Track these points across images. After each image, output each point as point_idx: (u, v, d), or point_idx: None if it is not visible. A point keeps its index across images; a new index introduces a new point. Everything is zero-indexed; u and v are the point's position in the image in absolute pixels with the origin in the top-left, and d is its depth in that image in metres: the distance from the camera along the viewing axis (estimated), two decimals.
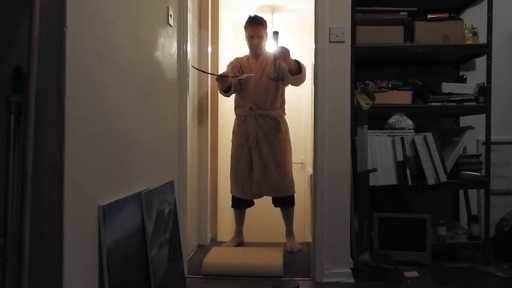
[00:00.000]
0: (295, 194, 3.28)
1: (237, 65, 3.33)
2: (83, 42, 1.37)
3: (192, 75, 3.12)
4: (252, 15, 3.33)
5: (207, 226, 3.43)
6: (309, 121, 4.17)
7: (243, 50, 4.78)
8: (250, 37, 3.27)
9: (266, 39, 3.35)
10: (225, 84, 3.12)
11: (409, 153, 2.74)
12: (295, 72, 3.01)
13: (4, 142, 1.22)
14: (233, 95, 3.35)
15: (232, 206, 3.39)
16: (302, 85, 4.88)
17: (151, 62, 2.04)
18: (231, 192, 3.34)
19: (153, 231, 1.85)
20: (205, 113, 3.46)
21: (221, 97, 3.72)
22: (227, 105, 3.80)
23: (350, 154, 2.57)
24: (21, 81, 1.23)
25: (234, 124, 3.34)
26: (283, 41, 4.81)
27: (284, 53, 2.90)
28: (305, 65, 3.07)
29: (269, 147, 3.15)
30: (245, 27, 3.31)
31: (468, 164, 2.82)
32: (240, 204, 3.33)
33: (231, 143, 3.35)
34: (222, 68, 3.80)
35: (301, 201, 4.13)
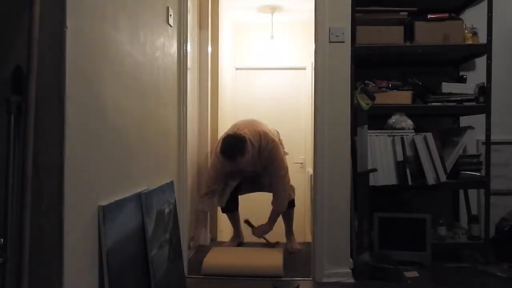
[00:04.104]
0: (295, 197, 3.29)
1: (224, 172, 3.02)
2: (83, 42, 1.37)
3: (192, 75, 3.13)
4: (225, 147, 2.83)
5: (207, 226, 3.43)
6: (309, 121, 4.17)
7: (243, 50, 4.80)
8: (231, 167, 2.93)
9: (249, 153, 2.88)
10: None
11: (409, 153, 2.74)
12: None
13: (4, 142, 1.22)
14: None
15: (223, 212, 3.38)
16: (302, 85, 4.89)
17: (151, 62, 2.04)
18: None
19: (153, 231, 1.85)
20: (205, 112, 3.46)
21: (221, 96, 3.73)
22: (227, 104, 3.81)
23: (350, 154, 2.57)
24: (21, 81, 1.23)
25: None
26: (282, 42, 4.82)
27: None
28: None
29: (268, 169, 3.08)
30: (222, 157, 2.87)
31: (468, 164, 2.82)
32: (228, 208, 3.32)
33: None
34: (221, 71, 3.80)
35: (301, 201, 4.12)
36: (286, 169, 3.12)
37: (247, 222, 3.21)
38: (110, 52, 1.58)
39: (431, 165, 2.72)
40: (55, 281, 1.25)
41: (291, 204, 3.26)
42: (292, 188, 3.25)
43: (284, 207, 3.09)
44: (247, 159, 2.85)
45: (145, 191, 1.83)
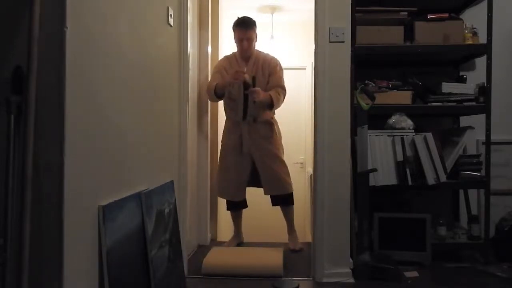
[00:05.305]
0: (293, 193, 3.26)
1: (225, 67, 3.20)
2: (83, 42, 1.37)
3: (192, 74, 3.12)
4: (240, 16, 3.21)
5: (207, 226, 3.43)
6: (309, 121, 4.18)
7: None
8: (240, 40, 3.14)
9: (256, 40, 3.22)
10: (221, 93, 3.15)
11: (409, 153, 2.74)
12: (267, 107, 3.10)
13: (4, 142, 1.22)
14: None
15: (228, 209, 3.39)
16: (302, 85, 4.90)
17: (151, 62, 2.04)
18: (219, 195, 3.33)
19: (153, 231, 1.85)
20: (205, 112, 3.46)
21: None
22: None
23: (350, 154, 2.57)
24: (21, 81, 1.23)
25: (225, 128, 3.29)
26: (282, 42, 4.82)
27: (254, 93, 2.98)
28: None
29: (264, 150, 3.12)
30: (234, 29, 3.18)
31: (468, 164, 2.82)
32: (234, 206, 3.32)
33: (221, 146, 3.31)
34: None
35: (301, 201, 4.13)
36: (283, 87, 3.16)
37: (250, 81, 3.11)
38: (110, 52, 1.58)
39: (431, 165, 2.72)
40: (55, 281, 1.25)
41: (290, 201, 3.23)
42: (289, 181, 3.18)
43: (278, 103, 3.11)
44: (254, 37, 3.16)
45: (145, 191, 1.83)
